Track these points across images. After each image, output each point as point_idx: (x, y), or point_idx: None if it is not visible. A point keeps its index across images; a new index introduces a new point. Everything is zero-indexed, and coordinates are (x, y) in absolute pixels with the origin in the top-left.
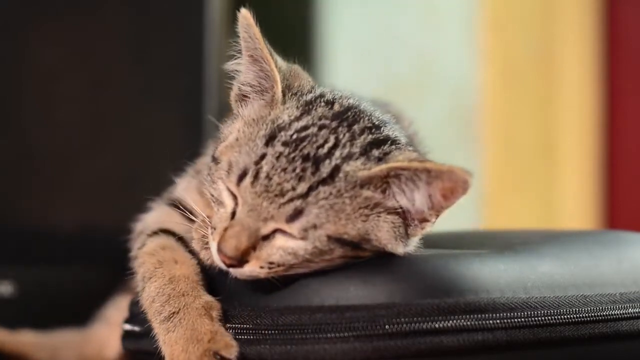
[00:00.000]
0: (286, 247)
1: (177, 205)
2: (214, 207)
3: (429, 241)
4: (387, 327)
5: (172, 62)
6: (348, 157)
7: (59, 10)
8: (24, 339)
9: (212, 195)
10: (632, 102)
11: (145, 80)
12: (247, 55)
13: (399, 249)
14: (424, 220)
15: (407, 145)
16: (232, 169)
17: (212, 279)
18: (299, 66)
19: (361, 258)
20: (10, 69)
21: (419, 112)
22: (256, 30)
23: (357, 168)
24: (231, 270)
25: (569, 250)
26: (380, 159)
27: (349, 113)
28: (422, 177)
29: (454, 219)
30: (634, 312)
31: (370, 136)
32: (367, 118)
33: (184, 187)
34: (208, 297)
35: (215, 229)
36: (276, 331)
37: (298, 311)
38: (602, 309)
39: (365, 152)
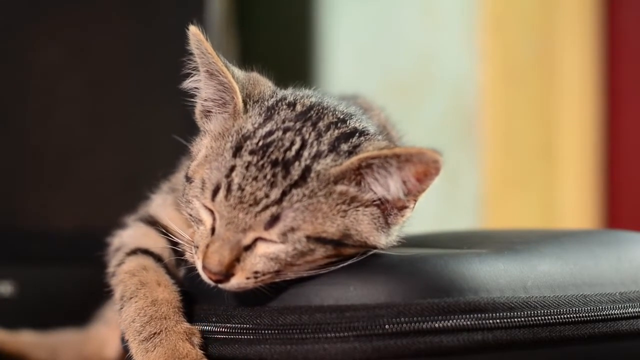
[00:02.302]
0: (268, 254)
1: (154, 222)
2: (194, 227)
3: (429, 241)
4: (387, 326)
5: (172, 62)
6: (317, 156)
7: (59, 10)
8: (24, 339)
9: (191, 215)
10: (632, 102)
11: (145, 80)
12: (204, 71)
13: (381, 240)
14: (402, 207)
15: (376, 134)
16: (206, 186)
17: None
18: (257, 73)
19: (345, 256)
20: (11, 68)
21: (419, 112)
22: (207, 45)
23: (328, 165)
24: (219, 285)
25: (569, 249)
26: (350, 153)
27: (312, 112)
28: (392, 163)
29: (454, 219)
30: (633, 312)
31: (336, 131)
32: (331, 114)
33: (160, 204)
34: (189, 325)
35: (198, 247)
36: (276, 331)
37: (298, 311)
38: (601, 308)
39: (334, 148)
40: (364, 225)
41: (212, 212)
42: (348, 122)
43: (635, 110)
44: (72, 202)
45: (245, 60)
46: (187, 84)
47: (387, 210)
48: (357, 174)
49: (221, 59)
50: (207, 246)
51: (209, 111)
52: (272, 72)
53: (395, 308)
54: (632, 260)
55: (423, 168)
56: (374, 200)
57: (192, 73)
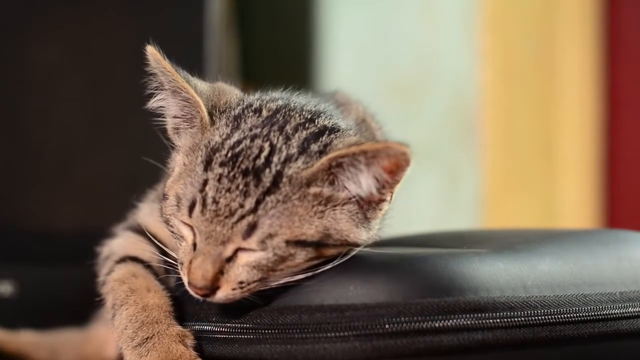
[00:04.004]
0: (250, 262)
1: (143, 231)
2: (177, 243)
3: (429, 240)
4: (387, 326)
5: (172, 62)
6: (287, 160)
7: (59, 10)
8: (24, 339)
9: (172, 232)
10: (632, 102)
11: (146, 80)
12: (167, 89)
13: (362, 236)
14: (380, 200)
15: (348, 129)
16: (181, 202)
17: None
18: (224, 82)
19: (327, 258)
20: (11, 69)
21: (419, 112)
22: (165, 63)
23: (299, 168)
24: (207, 299)
25: (569, 249)
26: (321, 152)
27: (278, 115)
28: (361, 160)
29: (454, 219)
30: (633, 311)
31: (304, 132)
32: (297, 115)
33: (148, 213)
34: (181, 327)
35: (182, 263)
36: (276, 330)
37: (298, 310)
38: (602, 308)
39: (303, 149)
40: (342, 224)
41: (191, 227)
42: (316, 120)
43: (635, 110)
44: (72, 202)
45: (245, 60)
46: (152, 103)
47: (365, 205)
48: (329, 173)
49: (181, 75)
50: (190, 262)
51: (178, 128)
52: (272, 72)
53: (396, 307)
54: (632, 260)
55: (393, 161)
56: (350, 198)
57: (155, 93)
